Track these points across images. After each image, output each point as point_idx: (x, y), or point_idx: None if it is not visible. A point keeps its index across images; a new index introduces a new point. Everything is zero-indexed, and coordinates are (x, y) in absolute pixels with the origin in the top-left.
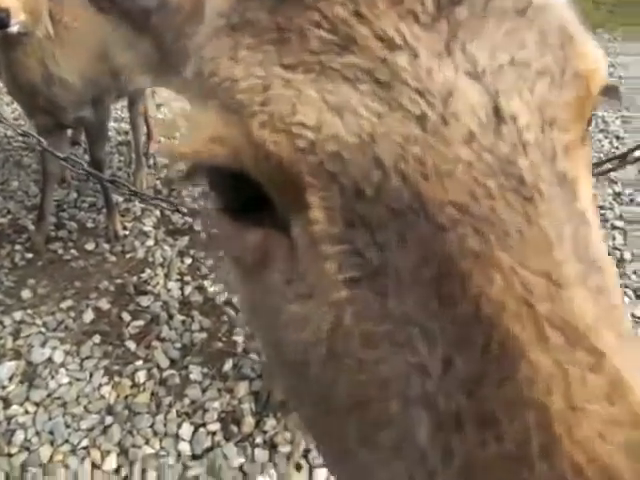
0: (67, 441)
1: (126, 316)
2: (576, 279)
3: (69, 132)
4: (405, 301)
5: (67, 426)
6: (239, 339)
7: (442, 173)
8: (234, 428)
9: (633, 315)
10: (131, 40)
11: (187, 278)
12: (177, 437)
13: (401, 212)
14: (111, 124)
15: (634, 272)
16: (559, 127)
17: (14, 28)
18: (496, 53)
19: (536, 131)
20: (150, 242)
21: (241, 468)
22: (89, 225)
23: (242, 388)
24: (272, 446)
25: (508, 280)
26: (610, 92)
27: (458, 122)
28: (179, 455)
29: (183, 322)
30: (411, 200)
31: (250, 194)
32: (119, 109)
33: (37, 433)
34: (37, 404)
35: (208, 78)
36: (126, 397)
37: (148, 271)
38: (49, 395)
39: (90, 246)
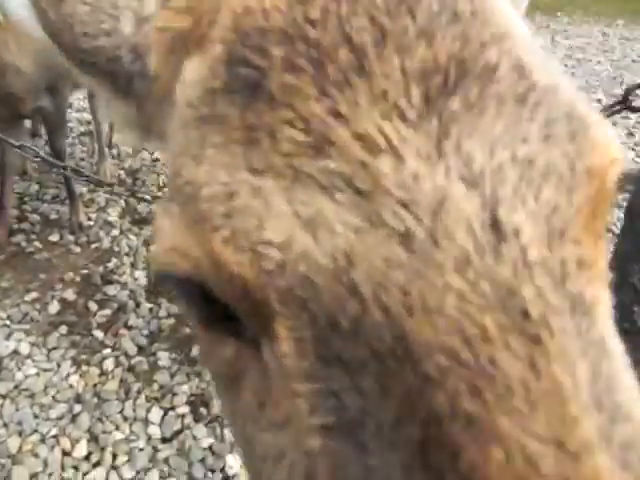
0: (36, 431)
1: (93, 306)
2: (597, 440)
3: (28, 124)
4: (387, 462)
5: (35, 416)
6: None
7: (430, 308)
8: (203, 410)
9: None
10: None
11: None
12: (147, 421)
13: (382, 354)
14: (73, 114)
15: None
16: (570, 239)
17: None
18: (495, 150)
19: (543, 248)
20: (115, 232)
21: (211, 448)
22: (52, 217)
23: None
24: None
25: (509, 455)
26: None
27: (449, 242)
28: (149, 439)
29: (150, 309)
30: (394, 341)
31: (217, 311)
32: (81, 99)
33: (5, 425)
34: (3, 396)
35: (175, 177)
36: (95, 385)
37: (114, 260)
38: (16, 387)
39: (54, 238)
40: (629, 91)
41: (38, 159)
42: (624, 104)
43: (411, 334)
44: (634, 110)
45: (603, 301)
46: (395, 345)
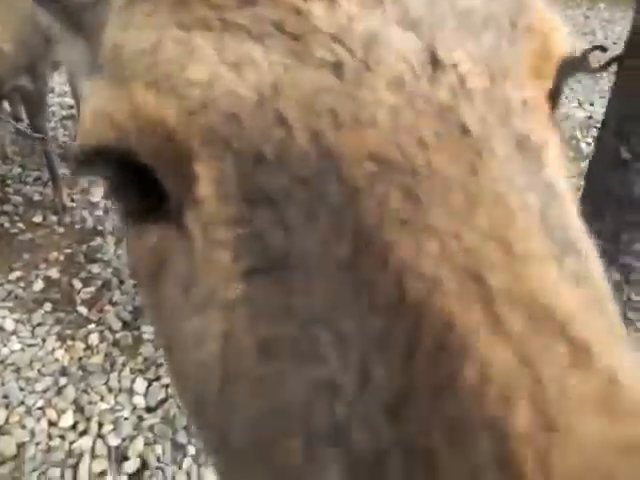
0: (22, 403)
1: (77, 283)
2: (546, 254)
3: (8, 109)
4: (313, 294)
5: (21, 389)
6: None
7: (360, 122)
8: None
9: None
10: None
11: None
12: (132, 392)
13: (309, 179)
14: (55, 99)
15: None
16: (513, 80)
17: None
18: (435, 3)
19: (484, 79)
20: (99, 212)
21: None
22: (36, 198)
23: None
24: None
25: (446, 247)
26: (581, 63)
27: (383, 67)
28: (134, 408)
29: (135, 286)
30: (321, 161)
31: (141, 184)
32: (63, 84)
33: None
34: None
35: (103, 56)
36: (80, 359)
37: (98, 240)
38: (1, 362)
39: (38, 219)
40: (587, 52)
41: (12, 130)
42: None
43: (339, 148)
44: (592, 71)
45: (554, 147)
46: (322, 164)
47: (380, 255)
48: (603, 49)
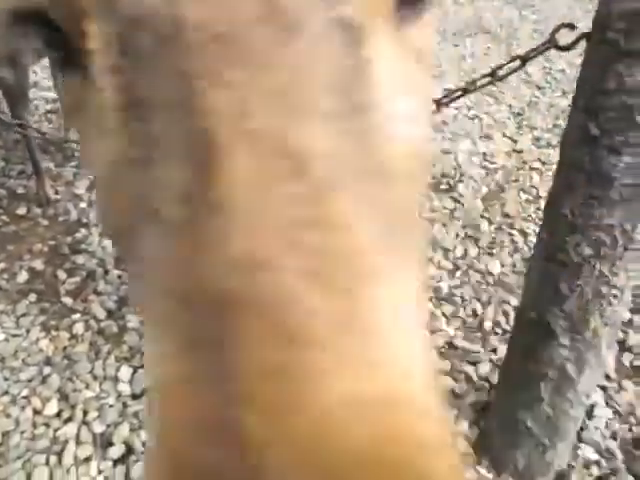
0: (7, 392)
1: (61, 274)
2: (318, 89)
3: None
4: (155, 125)
5: (6, 379)
6: None
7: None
8: None
9: None
10: None
11: None
12: (116, 379)
13: (164, 38)
14: (39, 93)
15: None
16: None
17: None
18: None
19: None
20: (83, 204)
21: None
22: (19, 191)
23: None
24: None
25: (231, 95)
26: None
27: None
28: (119, 395)
29: (119, 276)
30: (172, 26)
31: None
32: (46, 78)
33: None
34: None
35: None
36: (64, 348)
37: (83, 231)
38: None
39: (21, 211)
40: (556, 30)
41: None
42: (551, 43)
43: (184, 18)
44: (561, 49)
45: (383, 37)
46: (172, 29)
47: (191, 96)
48: (572, 27)
